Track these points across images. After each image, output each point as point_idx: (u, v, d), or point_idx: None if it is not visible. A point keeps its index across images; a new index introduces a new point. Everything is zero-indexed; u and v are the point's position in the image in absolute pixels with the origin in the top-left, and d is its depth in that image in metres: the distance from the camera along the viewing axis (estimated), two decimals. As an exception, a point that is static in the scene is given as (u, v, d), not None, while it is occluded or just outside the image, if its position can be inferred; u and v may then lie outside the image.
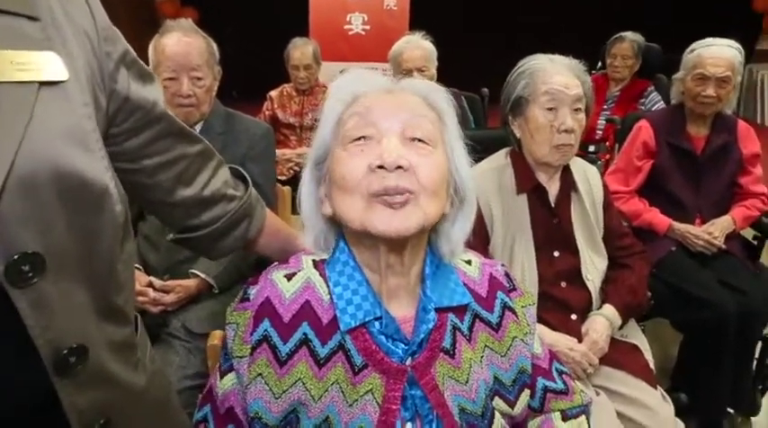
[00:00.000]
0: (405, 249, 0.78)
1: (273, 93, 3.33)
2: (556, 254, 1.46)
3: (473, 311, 0.84)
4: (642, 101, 3.17)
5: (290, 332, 0.76)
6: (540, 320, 1.40)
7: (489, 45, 6.67)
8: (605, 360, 1.39)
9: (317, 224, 0.82)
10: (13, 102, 0.54)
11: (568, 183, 1.48)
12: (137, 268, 1.61)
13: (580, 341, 1.38)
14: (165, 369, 1.44)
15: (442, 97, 0.83)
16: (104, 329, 0.65)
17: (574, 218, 1.48)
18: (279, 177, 2.32)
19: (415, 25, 4.12)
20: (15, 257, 0.53)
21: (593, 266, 1.48)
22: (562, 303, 1.42)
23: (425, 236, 0.81)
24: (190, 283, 1.58)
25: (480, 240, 1.45)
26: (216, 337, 1.02)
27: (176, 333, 1.54)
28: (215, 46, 1.68)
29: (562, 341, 1.36)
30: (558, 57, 1.41)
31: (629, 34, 3.19)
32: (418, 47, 2.60)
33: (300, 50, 3.17)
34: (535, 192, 1.45)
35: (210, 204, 0.88)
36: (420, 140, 0.77)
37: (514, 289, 0.90)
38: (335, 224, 0.82)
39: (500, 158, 1.52)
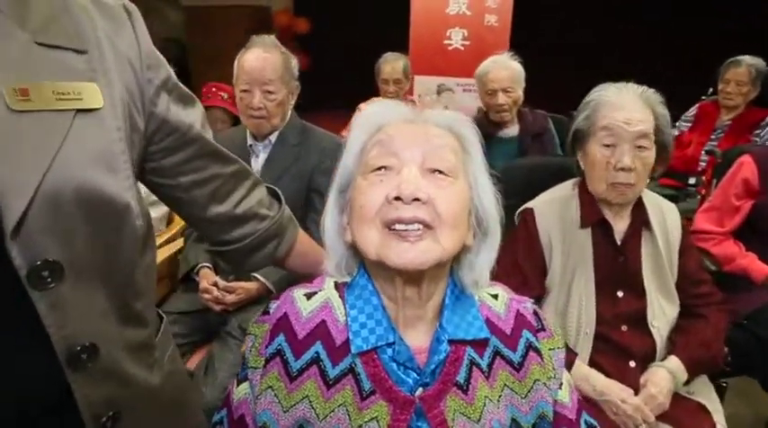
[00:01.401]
0: (422, 281, 0.77)
1: (363, 106, 3.41)
2: (619, 294, 1.36)
3: (494, 347, 0.80)
4: (757, 132, 2.87)
5: (303, 349, 0.77)
6: (593, 364, 1.31)
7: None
8: (664, 417, 1.26)
9: (339, 250, 0.84)
10: (50, 128, 0.59)
11: (640, 220, 1.38)
12: (207, 267, 1.72)
13: (637, 392, 1.27)
14: (219, 365, 1.54)
15: (467, 127, 0.82)
16: (122, 331, 0.70)
17: (643, 258, 1.37)
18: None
19: (514, 42, 4.05)
20: (37, 263, 0.58)
21: (662, 312, 1.36)
22: (621, 348, 1.32)
23: (445, 269, 0.80)
24: (251, 286, 1.66)
25: (537, 271, 1.39)
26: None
27: (233, 332, 1.62)
28: (294, 62, 1.76)
29: (615, 389, 1.26)
30: (629, 87, 1.32)
31: (746, 58, 2.90)
32: (506, 67, 2.54)
33: (391, 65, 3.22)
34: (600, 227, 1.37)
35: (242, 222, 0.93)
36: (440, 172, 0.76)
37: (543, 329, 0.85)
38: (357, 251, 0.82)
39: (566, 188, 1.45)
